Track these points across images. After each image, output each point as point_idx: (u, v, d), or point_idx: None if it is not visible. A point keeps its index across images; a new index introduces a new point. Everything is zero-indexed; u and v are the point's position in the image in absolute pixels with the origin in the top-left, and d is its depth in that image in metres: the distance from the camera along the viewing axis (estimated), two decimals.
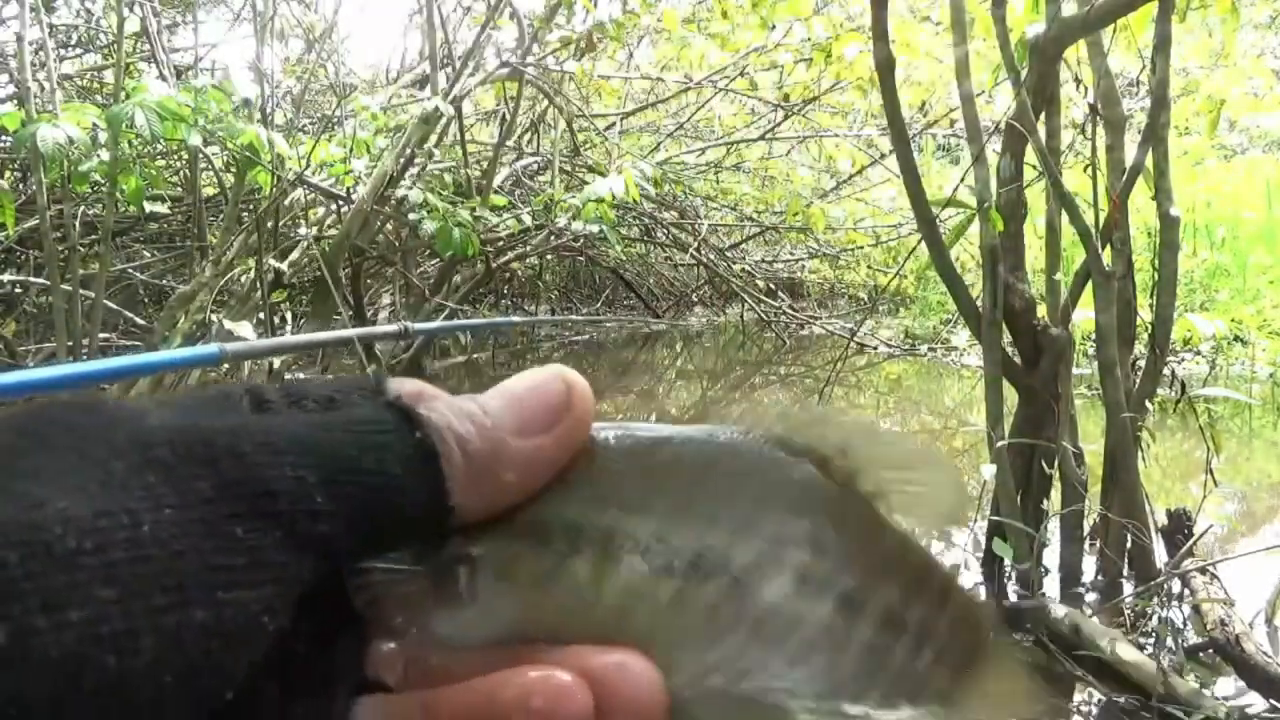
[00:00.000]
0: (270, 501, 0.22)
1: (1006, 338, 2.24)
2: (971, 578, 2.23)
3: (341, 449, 0.23)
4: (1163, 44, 2.10)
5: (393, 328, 2.88)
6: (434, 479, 0.24)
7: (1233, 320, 4.98)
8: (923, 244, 2.27)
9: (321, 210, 4.75)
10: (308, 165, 3.96)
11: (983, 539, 2.28)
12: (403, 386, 0.30)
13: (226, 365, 2.63)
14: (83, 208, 4.04)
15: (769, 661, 0.26)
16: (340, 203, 4.37)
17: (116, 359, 2.11)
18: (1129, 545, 2.17)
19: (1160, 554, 2.14)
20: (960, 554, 2.32)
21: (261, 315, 3.78)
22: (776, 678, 0.26)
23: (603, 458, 0.27)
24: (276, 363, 3.80)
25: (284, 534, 0.22)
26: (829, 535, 0.27)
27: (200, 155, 3.94)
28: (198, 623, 0.20)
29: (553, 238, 5.05)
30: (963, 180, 2.30)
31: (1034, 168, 2.30)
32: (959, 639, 0.28)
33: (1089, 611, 1.98)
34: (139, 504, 0.21)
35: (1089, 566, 2.26)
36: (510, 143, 5.42)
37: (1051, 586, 2.21)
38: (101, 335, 3.64)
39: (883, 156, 6.34)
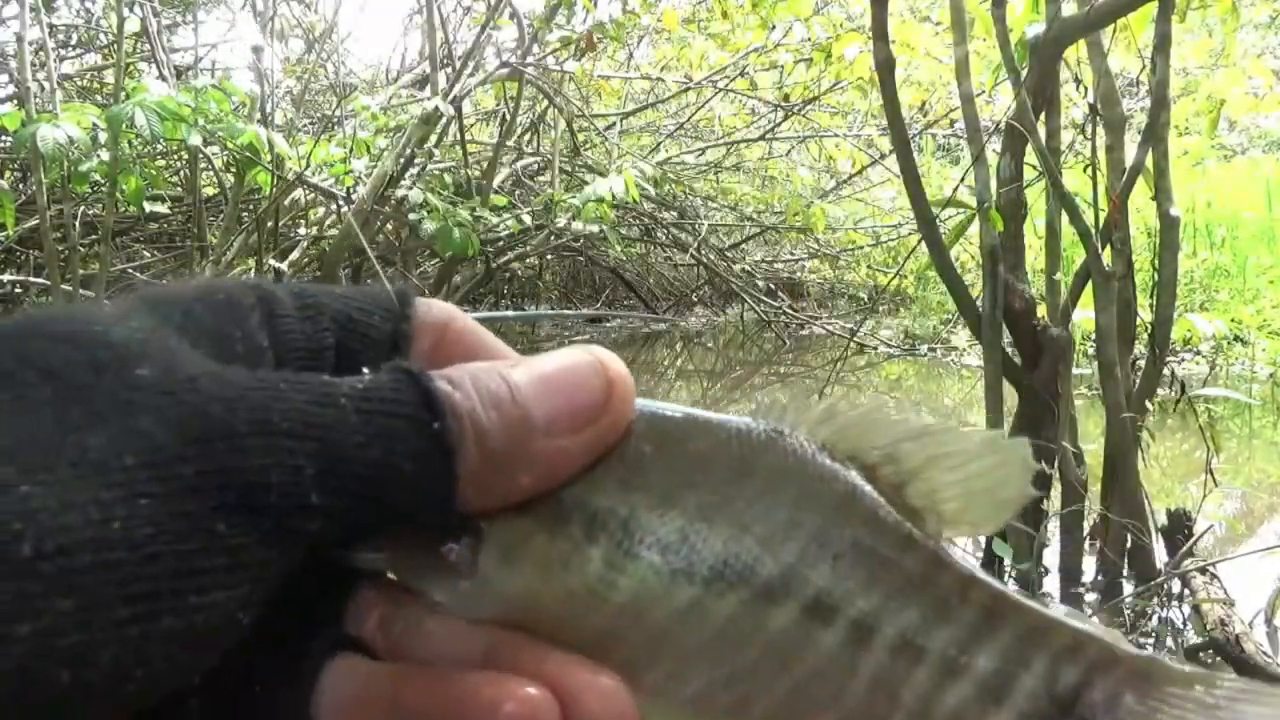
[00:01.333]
0: (262, 494, 0.20)
1: (1006, 338, 2.24)
2: None
3: (348, 435, 0.21)
4: (1163, 44, 2.10)
5: None
6: (445, 479, 0.22)
7: (1233, 320, 4.98)
8: (923, 244, 2.27)
9: (321, 210, 4.75)
10: (308, 165, 3.96)
11: (983, 539, 2.28)
12: (430, 311, 0.28)
13: None
14: (83, 208, 4.04)
15: (774, 687, 0.24)
16: (340, 203, 4.37)
17: None
18: (1129, 545, 2.17)
19: (1160, 554, 2.14)
20: (960, 554, 2.32)
21: None
22: (779, 705, 0.24)
23: (634, 441, 0.25)
24: None
25: (272, 528, 0.20)
26: (858, 553, 0.25)
27: (200, 155, 3.94)
28: (164, 631, 0.19)
29: (553, 238, 5.05)
30: (963, 180, 2.30)
31: (1034, 168, 2.30)
32: (991, 672, 0.25)
33: (1089, 611, 1.98)
34: (112, 493, 0.19)
35: (1089, 566, 2.26)
36: (510, 143, 5.42)
37: (1051, 586, 2.20)
38: None
39: (883, 156, 6.34)
